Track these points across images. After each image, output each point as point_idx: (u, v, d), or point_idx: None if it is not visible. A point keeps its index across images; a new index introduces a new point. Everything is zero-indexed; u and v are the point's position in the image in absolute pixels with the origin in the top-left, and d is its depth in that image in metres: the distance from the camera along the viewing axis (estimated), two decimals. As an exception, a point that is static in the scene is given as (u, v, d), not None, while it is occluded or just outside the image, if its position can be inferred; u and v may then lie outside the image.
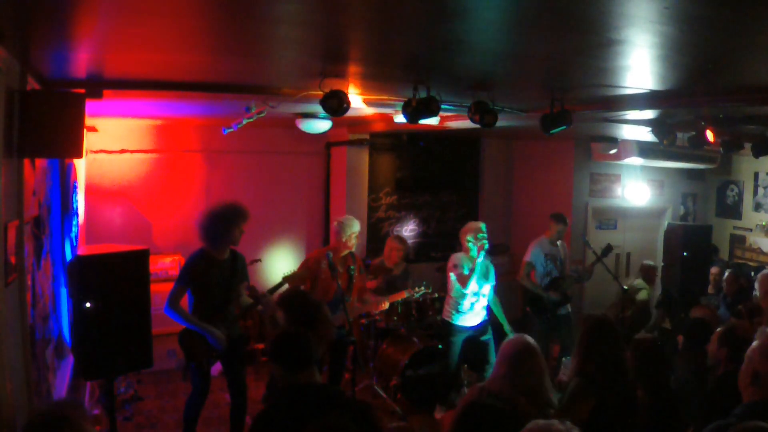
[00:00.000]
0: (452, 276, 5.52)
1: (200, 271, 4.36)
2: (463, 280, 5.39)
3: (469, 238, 5.45)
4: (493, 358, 5.40)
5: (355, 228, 5.21)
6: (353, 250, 5.31)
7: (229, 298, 4.50)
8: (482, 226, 5.47)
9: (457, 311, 5.58)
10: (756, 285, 5.27)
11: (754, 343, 2.74)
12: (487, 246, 5.39)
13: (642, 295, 7.26)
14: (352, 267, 5.22)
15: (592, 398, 3.05)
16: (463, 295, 5.49)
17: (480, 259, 5.34)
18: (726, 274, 6.47)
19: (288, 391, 2.72)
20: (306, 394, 2.70)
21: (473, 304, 5.55)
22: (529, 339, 3.08)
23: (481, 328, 5.66)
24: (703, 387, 3.69)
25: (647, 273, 7.53)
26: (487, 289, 5.60)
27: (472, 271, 5.37)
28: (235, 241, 4.50)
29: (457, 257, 5.55)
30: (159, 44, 2.94)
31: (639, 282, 7.45)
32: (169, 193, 6.97)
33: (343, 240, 5.18)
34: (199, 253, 4.44)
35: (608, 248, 6.22)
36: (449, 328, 5.64)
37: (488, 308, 5.72)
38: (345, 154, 7.39)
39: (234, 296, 4.55)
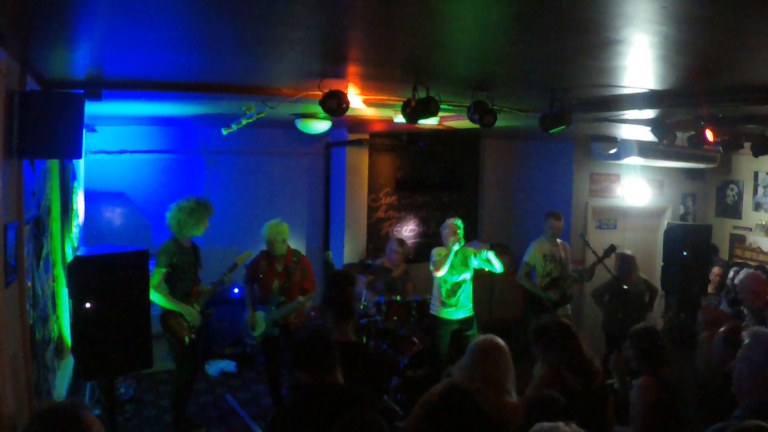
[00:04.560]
0: (431, 268, 5.84)
1: (176, 258, 4.86)
2: (437, 266, 5.74)
3: (445, 232, 5.88)
4: None
5: (267, 233, 5.41)
6: (280, 252, 5.41)
7: (195, 282, 5.07)
8: (457, 221, 5.88)
9: (441, 302, 5.86)
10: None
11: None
12: (462, 237, 5.77)
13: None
14: (291, 267, 5.47)
15: (557, 385, 3.11)
16: (442, 282, 5.80)
17: (456, 248, 5.68)
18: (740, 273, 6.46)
19: (314, 390, 2.67)
20: (332, 394, 2.66)
21: (456, 293, 5.83)
22: (498, 339, 3.20)
23: (466, 322, 5.91)
24: (702, 387, 3.68)
25: (624, 263, 6.34)
26: (467, 277, 5.87)
27: (446, 257, 5.70)
28: (201, 232, 5.02)
29: (434, 251, 5.92)
30: (159, 44, 2.94)
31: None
32: (169, 193, 6.96)
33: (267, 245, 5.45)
34: (171, 241, 4.93)
35: (611, 249, 6.15)
36: (435, 322, 5.92)
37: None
38: (345, 155, 7.39)
39: (198, 280, 5.13)
